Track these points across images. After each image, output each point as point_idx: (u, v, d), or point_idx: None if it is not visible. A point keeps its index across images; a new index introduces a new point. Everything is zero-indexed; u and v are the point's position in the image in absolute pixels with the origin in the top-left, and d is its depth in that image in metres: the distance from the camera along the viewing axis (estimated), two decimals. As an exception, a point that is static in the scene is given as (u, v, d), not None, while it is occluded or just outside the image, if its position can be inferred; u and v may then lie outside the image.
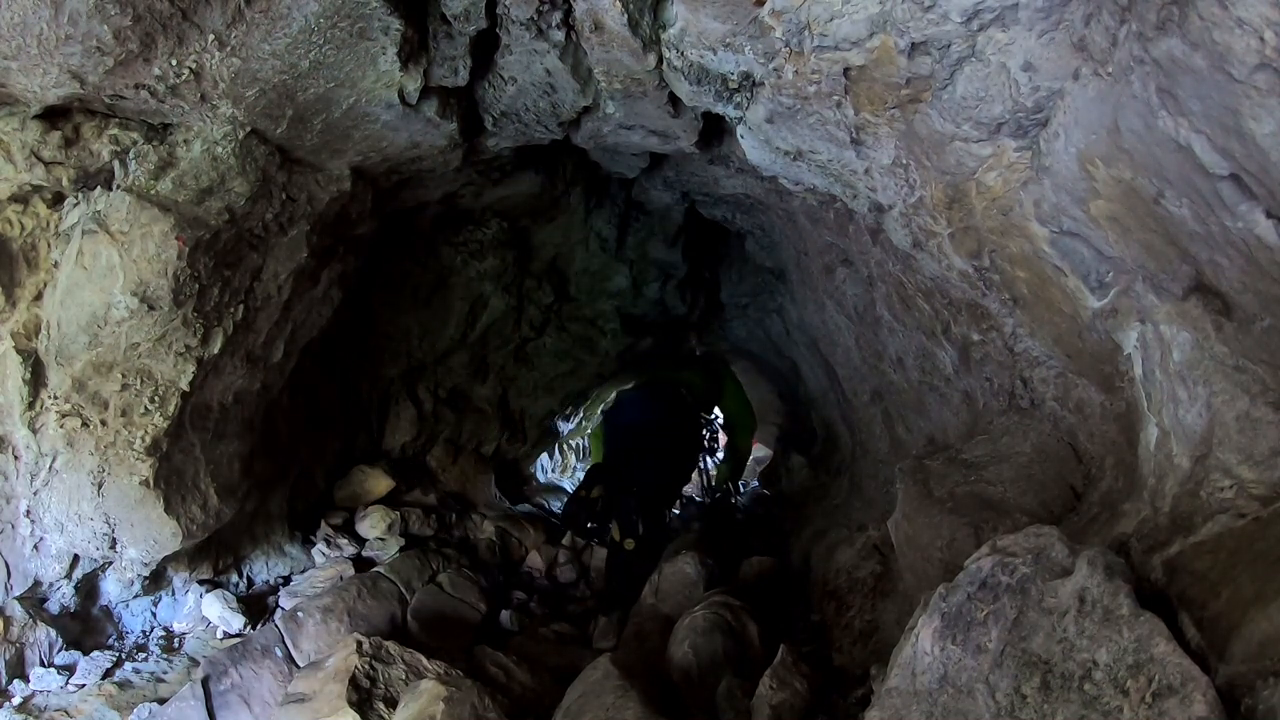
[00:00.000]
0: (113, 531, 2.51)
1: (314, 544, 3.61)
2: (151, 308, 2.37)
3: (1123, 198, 1.38)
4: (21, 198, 2.34)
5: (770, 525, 5.48)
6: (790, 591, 3.55)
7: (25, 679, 2.37)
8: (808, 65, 1.79)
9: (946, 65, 1.56)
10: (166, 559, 2.77)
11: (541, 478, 6.56)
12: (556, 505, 5.70)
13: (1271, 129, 0.99)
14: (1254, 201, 1.12)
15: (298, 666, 2.60)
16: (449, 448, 4.88)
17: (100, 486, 2.45)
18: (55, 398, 2.37)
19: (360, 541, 3.77)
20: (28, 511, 2.44)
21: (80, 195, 2.36)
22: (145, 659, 2.61)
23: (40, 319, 2.39)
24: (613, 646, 3.02)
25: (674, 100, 2.56)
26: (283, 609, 3.02)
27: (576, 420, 6.97)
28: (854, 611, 2.73)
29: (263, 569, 3.31)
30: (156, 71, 2.12)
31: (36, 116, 2.22)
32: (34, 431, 2.38)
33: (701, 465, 6.28)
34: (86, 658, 2.50)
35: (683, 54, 2.13)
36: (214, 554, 3.08)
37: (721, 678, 2.30)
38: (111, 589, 2.71)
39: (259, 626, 2.88)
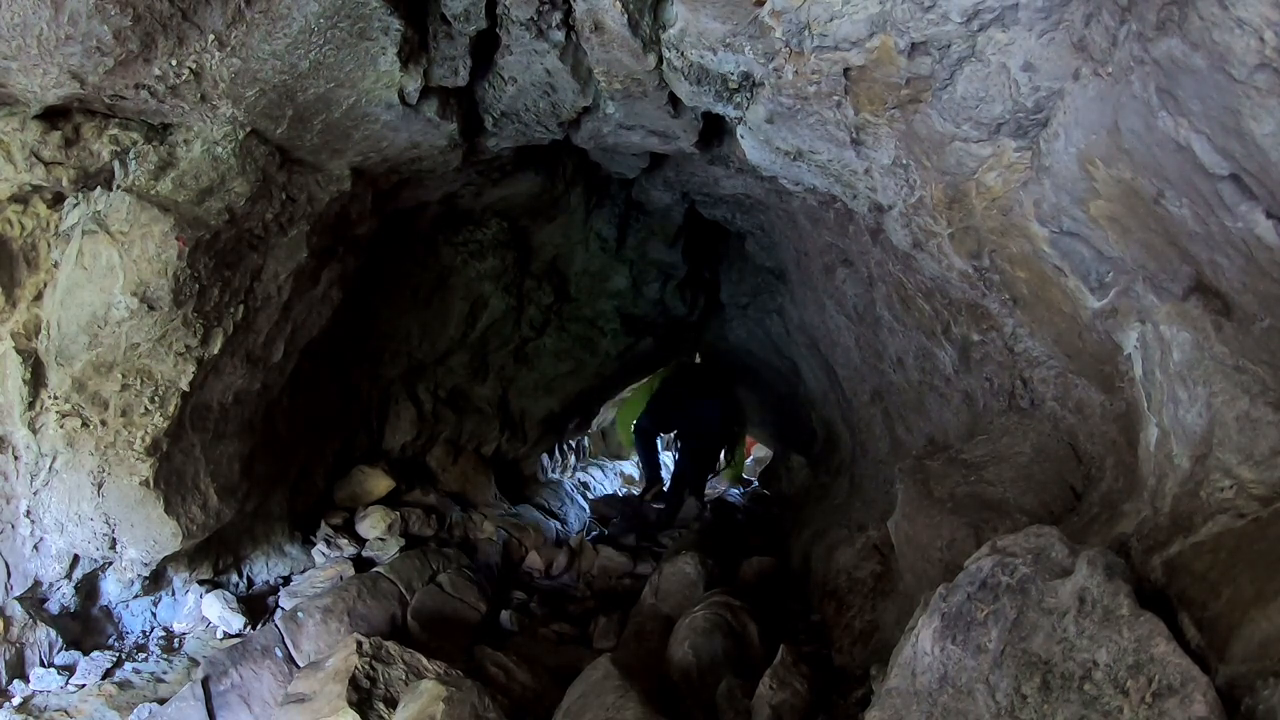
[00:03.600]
0: (113, 532, 2.51)
1: (314, 544, 3.61)
2: (151, 308, 2.37)
3: (1123, 198, 1.38)
4: (21, 198, 2.33)
5: (770, 525, 5.49)
6: (790, 591, 3.55)
7: (25, 679, 2.37)
8: (808, 65, 1.79)
9: (946, 65, 1.56)
10: (166, 559, 2.76)
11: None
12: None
13: (1271, 129, 0.99)
14: (1254, 201, 1.12)
15: (298, 666, 2.59)
16: (449, 448, 4.88)
17: (100, 487, 2.45)
18: (55, 398, 2.37)
19: (360, 541, 3.77)
20: (28, 511, 2.44)
21: (80, 195, 2.36)
22: (145, 659, 2.62)
23: (40, 319, 2.39)
24: (613, 646, 3.02)
25: (674, 100, 2.56)
26: (283, 609, 3.02)
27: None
28: (854, 611, 2.73)
29: (263, 569, 3.31)
30: (156, 72, 2.12)
31: (36, 116, 2.22)
32: (34, 431, 2.38)
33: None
34: (86, 658, 2.50)
35: (683, 54, 2.13)
36: (214, 554, 3.08)
37: (721, 678, 2.30)
38: (111, 589, 2.71)
39: (259, 626, 2.88)
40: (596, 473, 7.92)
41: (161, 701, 2.37)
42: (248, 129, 2.44)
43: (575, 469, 7.63)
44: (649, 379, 7.17)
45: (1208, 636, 1.10)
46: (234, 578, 3.18)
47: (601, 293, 5.37)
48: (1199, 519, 1.30)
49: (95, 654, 2.54)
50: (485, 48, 2.52)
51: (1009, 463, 2.08)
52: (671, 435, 7.11)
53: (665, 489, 6.58)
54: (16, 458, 2.40)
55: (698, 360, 7.42)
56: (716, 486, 8.34)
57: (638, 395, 7.29)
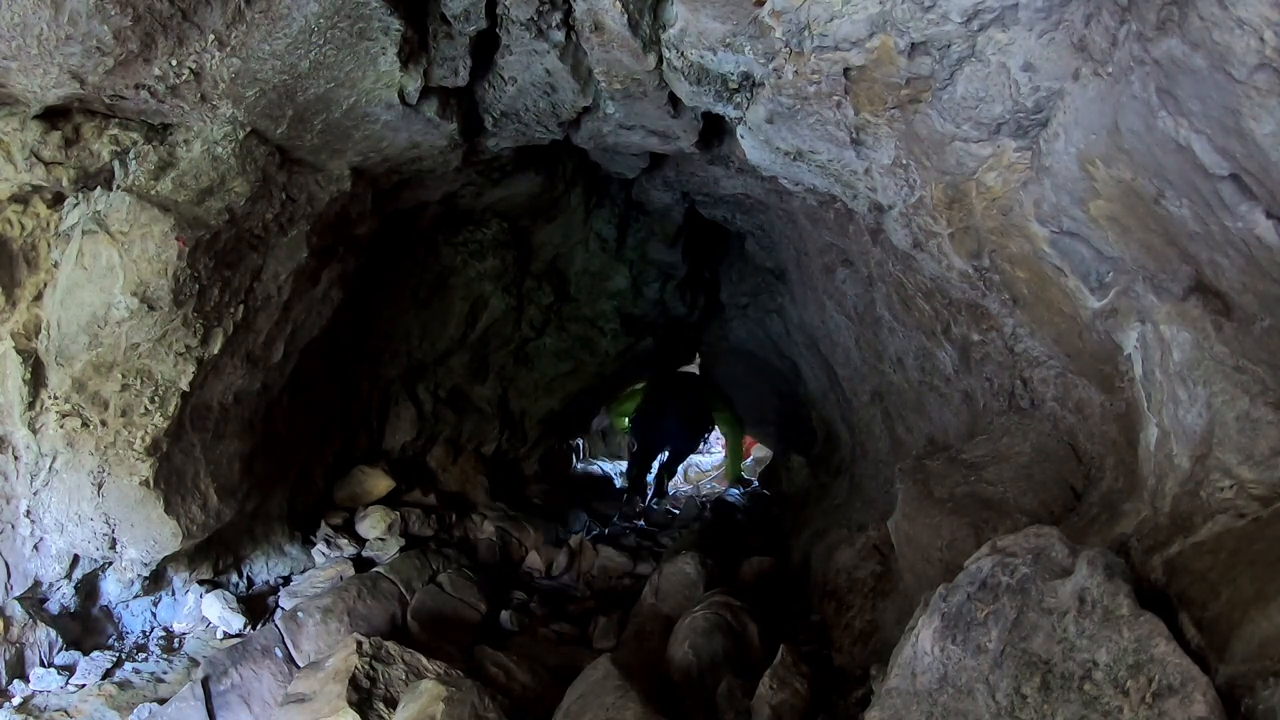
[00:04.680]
0: (113, 531, 2.51)
1: (314, 544, 3.61)
2: (151, 308, 2.37)
3: (1123, 198, 1.38)
4: (21, 198, 2.34)
5: (770, 525, 5.49)
6: (790, 591, 3.55)
7: (25, 679, 2.37)
8: (808, 65, 1.79)
9: (946, 65, 1.56)
10: (166, 559, 2.77)
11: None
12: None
13: (1271, 129, 0.99)
14: (1254, 201, 1.12)
15: (298, 666, 2.60)
16: (449, 448, 4.88)
17: (100, 487, 2.45)
18: (55, 398, 2.37)
19: (360, 542, 3.77)
20: (28, 511, 2.44)
21: (80, 195, 2.36)
22: (145, 659, 2.62)
23: (40, 319, 2.39)
24: (613, 646, 3.02)
25: (674, 100, 2.56)
26: (283, 609, 3.02)
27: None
28: (854, 611, 2.73)
29: (263, 569, 3.31)
30: (156, 72, 2.12)
31: (36, 116, 2.22)
32: (34, 431, 2.38)
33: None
34: (86, 658, 2.50)
35: (683, 54, 2.13)
36: (214, 554, 3.08)
37: (721, 678, 2.30)
38: (111, 589, 2.71)
39: (259, 627, 2.88)
40: (596, 473, 7.92)
41: (161, 701, 2.37)
42: (248, 129, 2.44)
43: (575, 468, 7.64)
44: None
45: (1208, 636, 1.10)
46: (234, 578, 3.18)
47: (601, 293, 5.37)
48: (1199, 519, 1.30)
49: (95, 654, 2.54)
50: (485, 48, 2.53)
51: (1009, 463, 2.08)
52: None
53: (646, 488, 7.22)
54: (16, 458, 2.40)
55: (695, 361, 7.69)
56: (716, 487, 8.37)
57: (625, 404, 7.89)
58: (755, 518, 6.09)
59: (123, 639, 2.70)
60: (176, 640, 2.77)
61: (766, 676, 2.08)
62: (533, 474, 5.89)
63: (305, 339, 3.17)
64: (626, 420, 7.37)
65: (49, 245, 2.40)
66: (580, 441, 8.14)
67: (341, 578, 3.24)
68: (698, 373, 8.16)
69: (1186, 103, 1.11)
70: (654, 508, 6.72)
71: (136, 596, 2.78)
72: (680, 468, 8.22)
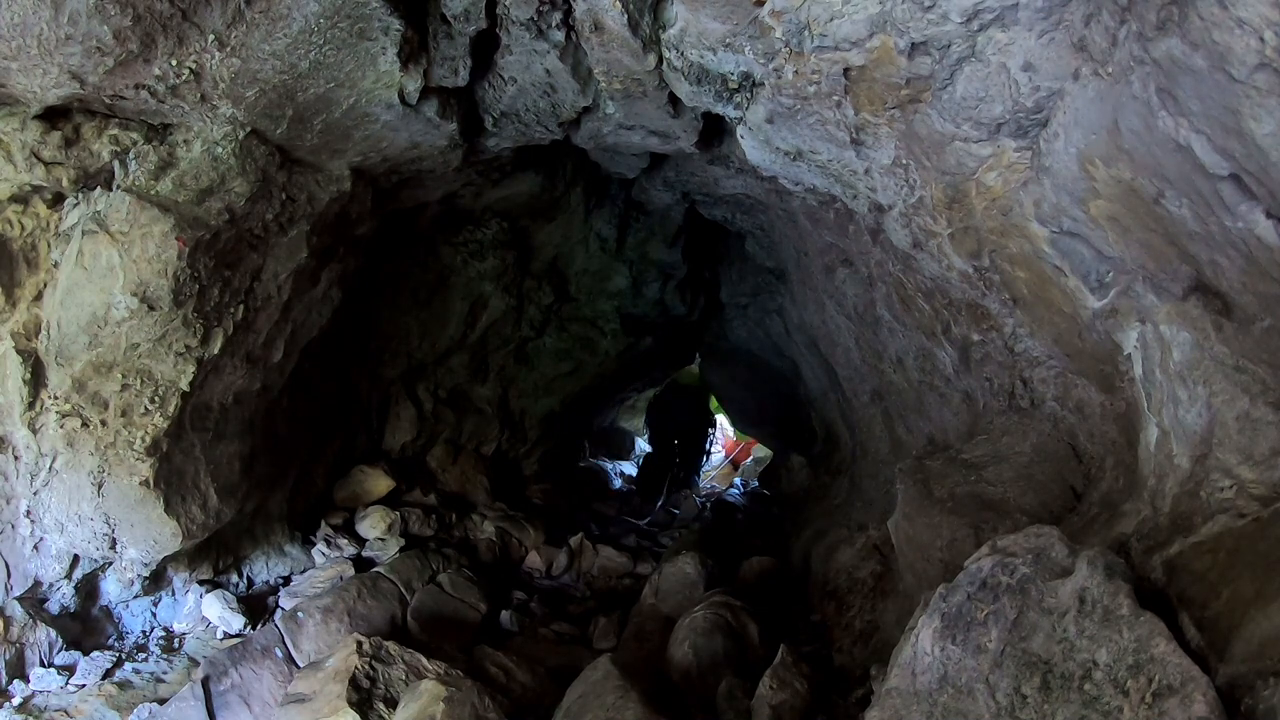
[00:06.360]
0: (113, 532, 2.51)
1: (314, 544, 3.61)
2: (151, 308, 2.37)
3: (1123, 198, 1.38)
4: (21, 198, 2.33)
5: (770, 525, 5.49)
6: (790, 591, 3.55)
7: (25, 679, 2.37)
8: (808, 65, 1.79)
9: (946, 65, 1.56)
10: (166, 559, 2.76)
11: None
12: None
13: (1271, 129, 0.99)
14: (1254, 201, 1.12)
15: (298, 666, 2.60)
16: (449, 448, 4.88)
17: (100, 487, 2.45)
18: (55, 398, 2.37)
19: (360, 542, 3.77)
20: (28, 511, 2.44)
21: (80, 195, 2.36)
22: (145, 659, 2.62)
23: (40, 319, 2.39)
24: (613, 646, 3.02)
25: (674, 100, 2.56)
26: (283, 609, 3.02)
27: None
28: (854, 611, 2.73)
29: (263, 569, 3.31)
30: (156, 72, 2.12)
31: (36, 116, 2.22)
32: (34, 431, 2.38)
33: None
34: (86, 658, 2.50)
35: (683, 54, 2.13)
36: (214, 554, 3.08)
37: (721, 678, 2.30)
38: (111, 589, 2.71)
39: (259, 627, 2.88)
40: (596, 473, 7.93)
41: (161, 701, 2.37)
42: (248, 129, 2.44)
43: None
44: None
45: (1208, 636, 1.10)
46: (234, 578, 3.18)
47: (601, 293, 5.37)
48: (1199, 519, 1.30)
49: (95, 654, 2.54)
50: (485, 48, 2.53)
51: (1009, 463, 2.08)
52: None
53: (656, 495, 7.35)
54: (16, 458, 2.40)
55: (695, 361, 7.93)
56: (716, 487, 8.40)
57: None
58: (755, 518, 6.09)
59: (123, 639, 2.70)
60: (176, 640, 2.77)
61: (767, 676, 2.08)
62: (533, 474, 5.89)
63: (305, 339, 3.17)
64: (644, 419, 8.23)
65: (49, 245, 2.40)
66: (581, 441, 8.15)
67: (341, 578, 3.24)
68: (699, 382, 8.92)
69: (1186, 103, 1.11)
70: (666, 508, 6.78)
71: (136, 596, 2.78)
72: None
